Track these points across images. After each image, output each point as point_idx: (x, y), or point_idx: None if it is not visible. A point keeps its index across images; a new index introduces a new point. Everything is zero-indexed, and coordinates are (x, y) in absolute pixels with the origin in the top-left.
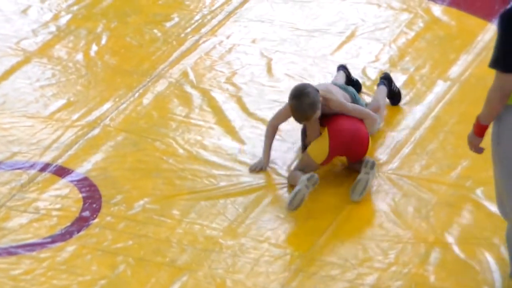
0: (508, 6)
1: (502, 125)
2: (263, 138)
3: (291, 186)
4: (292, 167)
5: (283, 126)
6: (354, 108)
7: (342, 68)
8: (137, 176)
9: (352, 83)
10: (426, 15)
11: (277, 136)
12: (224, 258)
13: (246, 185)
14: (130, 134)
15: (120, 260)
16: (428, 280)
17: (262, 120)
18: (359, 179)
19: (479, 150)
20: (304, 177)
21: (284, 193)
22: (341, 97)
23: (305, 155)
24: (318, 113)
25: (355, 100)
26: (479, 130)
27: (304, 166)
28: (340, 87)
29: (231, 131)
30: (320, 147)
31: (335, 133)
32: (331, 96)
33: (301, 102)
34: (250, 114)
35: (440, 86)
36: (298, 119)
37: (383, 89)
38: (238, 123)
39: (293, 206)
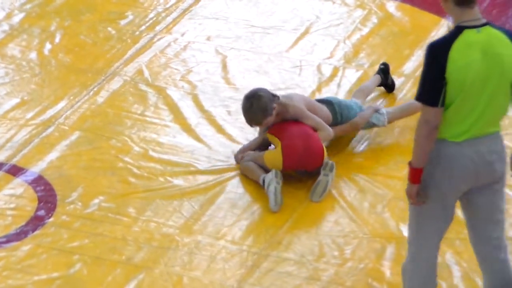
0: (436, 38)
1: (435, 162)
2: (218, 135)
3: (244, 175)
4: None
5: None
6: (312, 117)
7: (381, 71)
8: (93, 174)
9: (387, 85)
10: (380, 12)
11: (234, 131)
12: (181, 256)
13: (201, 182)
14: (85, 132)
15: (76, 259)
16: (385, 275)
17: (217, 117)
18: (319, 180)
19: (418, 201)
20: (271, 176)
21: (240, 190)
22: (303, 105)
23: (261, 158)
24: (270, 119)
25: (338, 114)
26: (412, 175)
27: (258, 162)
28: (323, 101)
29: (187, 129)
30: (275, 161)
31: (288, 150)
32: (290, 102)
33: (252, 105)
34: (206, 112)
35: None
36: (248, 122)
37: (373, 84)
38: (194, 121)
39: (278, 205)
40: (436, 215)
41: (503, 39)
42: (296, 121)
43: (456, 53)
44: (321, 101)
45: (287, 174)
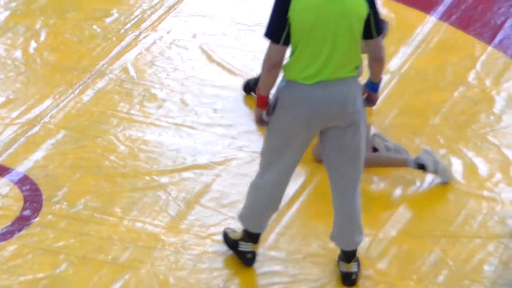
0: None
1: (278, 99)
2: (204, 133)
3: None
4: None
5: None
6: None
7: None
8: (78, 173)
9: None
10: None
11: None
12: (167, 255)
13: (187, 181)
14: (70, 131)
15: (62, 259)
16: (373, 273)
17: (203, 115)
18: (436, 163)
19: (260, 122)
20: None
21: (226, 189)
22: None
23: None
24: None
25: None
26: (259, 100)
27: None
28: None
29: (173, 127)
30: None
31: None
32: None
33: None
34: (191, 110)
35: None
36: None
37: None
38: (180, 119)
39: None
40: (281, 149)
41: None
42: None
43: None
44: None
45: None
